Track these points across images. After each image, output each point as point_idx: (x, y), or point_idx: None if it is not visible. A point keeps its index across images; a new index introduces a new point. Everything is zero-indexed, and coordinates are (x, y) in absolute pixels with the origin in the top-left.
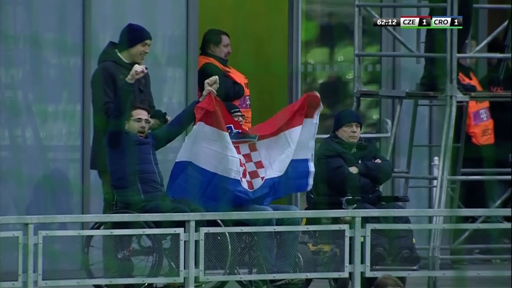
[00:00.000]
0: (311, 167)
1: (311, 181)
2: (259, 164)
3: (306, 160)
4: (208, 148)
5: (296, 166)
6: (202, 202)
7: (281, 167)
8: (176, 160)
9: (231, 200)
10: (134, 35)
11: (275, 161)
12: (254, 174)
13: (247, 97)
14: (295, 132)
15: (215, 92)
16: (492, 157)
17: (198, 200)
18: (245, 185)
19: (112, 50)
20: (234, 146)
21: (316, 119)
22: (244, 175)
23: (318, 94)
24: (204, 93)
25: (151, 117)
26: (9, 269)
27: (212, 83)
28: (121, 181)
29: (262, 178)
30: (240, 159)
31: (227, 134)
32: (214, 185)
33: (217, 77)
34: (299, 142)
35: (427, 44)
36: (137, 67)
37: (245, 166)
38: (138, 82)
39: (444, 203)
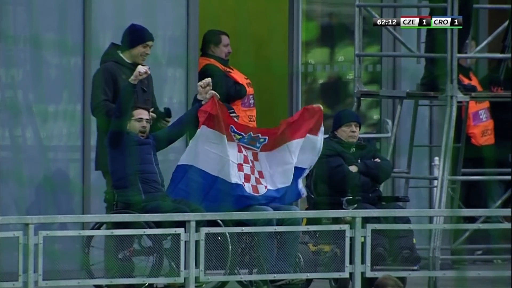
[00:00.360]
0: (305, 172)
1: (302, 188)
2: (261, 174)
3: (303, 169)
4: (210, 151)
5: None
6: (204, 205)
7: (284, 179)
8: (178, 163)
9: (233, 204)
10: (136, 36)
11: (275, 173)
12: (257, 181)
13: (251, 96)
14: (297, 144)
15: (218, 95)
16: (492, 157)
17: (200, 203)
18: (249, 189)
19: (114, 50)
20: (245, 149)
21: (320, 136)
22: (247, 180)
23: (320, 106)
24: (207, 96)
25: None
26: (10, 269)
27: (205, 85)
28: (122, 181)
29: (265, 186)
30: (244, 163)
31: (225, 137)
32: (217, 189)
33: (210, 79)
34: (302, 154)
35: (427, 44)
36: (141, 68)
37: (252, 170)
38: (141, 83)
39: (445, 203)
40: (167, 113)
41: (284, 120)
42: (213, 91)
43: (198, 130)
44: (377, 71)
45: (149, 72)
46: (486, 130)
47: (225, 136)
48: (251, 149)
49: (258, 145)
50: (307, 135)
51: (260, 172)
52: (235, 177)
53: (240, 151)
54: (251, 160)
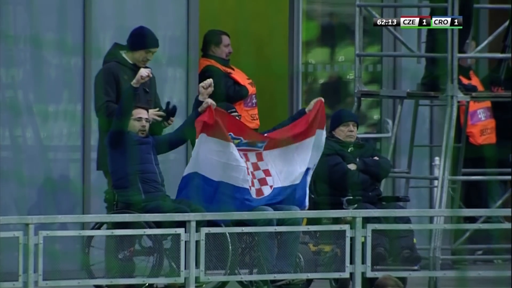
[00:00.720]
0: (310, 172)
1: (307, 200)
2: (267, 172)
3: (307, 169)
4: (212, 159)
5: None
6: (211, 210)
7: (291, 178)
8: (183, 175)
9: (238, 207)
10: (140, 40)
11: (281, 172)
12: (263, 181)
13: (253, 95)
14: (305, 145)
15: (214, 104)
16: (492, 157)
17: (207, 209)
18: (253, 193)
19: (116, 51)
20: (243, 154)
21: (324, 130)
22: (252, 184)
23: (321, 99)
24: (204, 105)
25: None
26: (10, 269)
27: (207, 87)
28: (122, 181)
29: (271, 186)
30: (247, 167)
31: (230, 144)
32: (221, 193)
33: (211, 80)
34: (307, 154)
35: (428, 44)
36: (143, 72)
37: (253, 174)
38: (143, 83)
39: (445, 203)
40: (172, 110)
41: (287, 130)
42: (209, 100)
43: (197, 139)
44: (377, 71)
45: (151, 75)
46: (485, 129)
47: (229, 143)
48: (253, 150)
49: (259, 145)
50: (317, 130)
51: (266, 171)
52: (243, 181)
53: None
54: (253, 163)
